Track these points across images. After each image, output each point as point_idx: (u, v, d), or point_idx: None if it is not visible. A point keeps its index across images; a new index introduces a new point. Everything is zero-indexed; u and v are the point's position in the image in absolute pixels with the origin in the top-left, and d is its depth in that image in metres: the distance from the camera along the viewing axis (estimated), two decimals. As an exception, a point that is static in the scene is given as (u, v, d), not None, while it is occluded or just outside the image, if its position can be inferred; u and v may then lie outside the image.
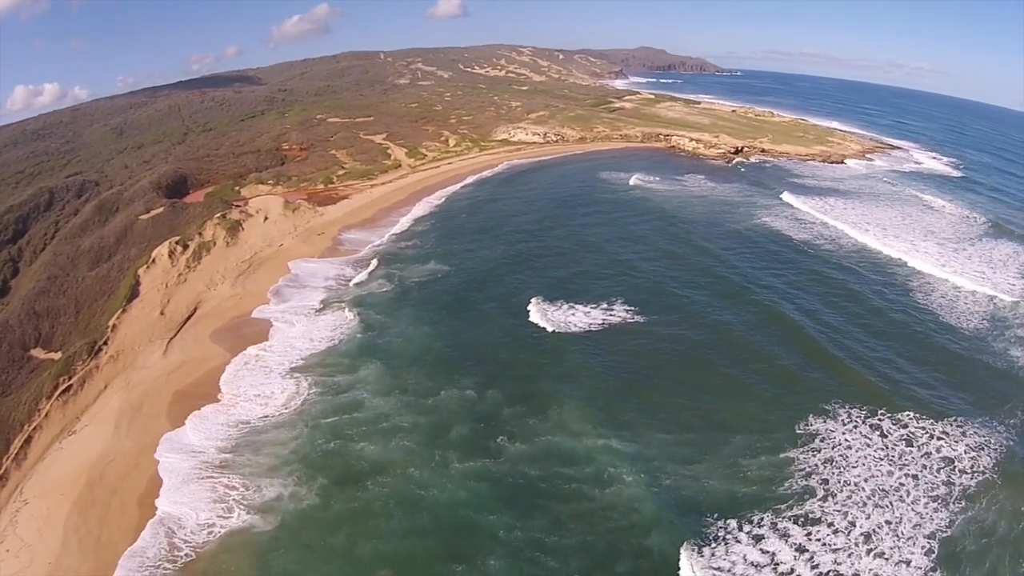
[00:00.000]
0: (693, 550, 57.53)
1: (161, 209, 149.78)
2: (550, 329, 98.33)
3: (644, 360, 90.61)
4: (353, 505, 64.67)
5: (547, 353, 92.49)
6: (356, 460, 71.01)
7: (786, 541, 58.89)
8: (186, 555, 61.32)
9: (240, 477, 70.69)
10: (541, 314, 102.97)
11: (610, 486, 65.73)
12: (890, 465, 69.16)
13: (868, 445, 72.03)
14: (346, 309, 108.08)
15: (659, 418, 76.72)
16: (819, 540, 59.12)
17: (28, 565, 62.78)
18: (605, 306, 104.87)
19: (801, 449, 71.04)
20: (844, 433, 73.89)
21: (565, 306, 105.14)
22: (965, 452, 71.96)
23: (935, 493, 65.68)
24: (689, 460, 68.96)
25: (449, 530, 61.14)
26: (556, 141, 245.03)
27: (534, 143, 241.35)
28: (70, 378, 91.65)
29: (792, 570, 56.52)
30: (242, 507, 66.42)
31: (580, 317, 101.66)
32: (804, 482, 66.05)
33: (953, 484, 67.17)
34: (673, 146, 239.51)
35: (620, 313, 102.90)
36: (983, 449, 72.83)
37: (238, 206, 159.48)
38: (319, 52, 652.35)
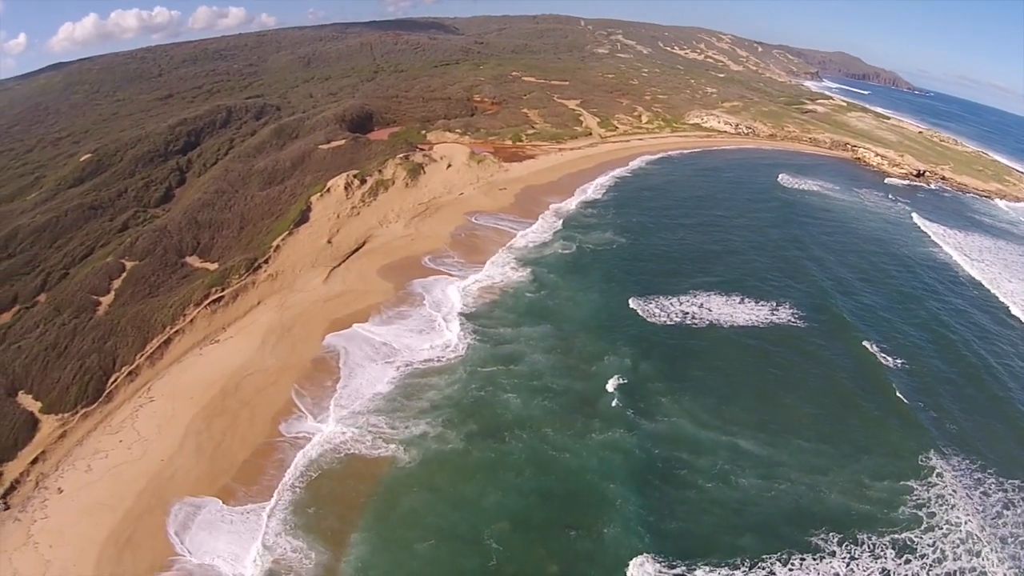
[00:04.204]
0: (783, 559, 59.33)
1: (343, 142, 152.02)
2: (712, 318, 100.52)
3: (800, 368, 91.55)
4: (490, 455, 68.17)
5: (705, 340, 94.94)
6: (503, 411, 74.82)
7: (876, 561, 60.43)
8: (316, 475, 63.49)
9: (388, 413, 71.95)
10: (707, 301, 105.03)
11: (728, 480, 68.13)
12: (994, 518, 68.61)
13: (976, 489, 72.33)
14: (521, 265, 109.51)
15: (801, 424, 78.84)
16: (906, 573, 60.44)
17: (139, 458, 63.65)
18: (772, 305, 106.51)
19: (920, 481, 71.70)
20: (955, 477, 73.49)
21: (736, 298, 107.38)
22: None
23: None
24: (815, 470, 70.95)
25: (572, 495, 64.32)
26: (747, 134, 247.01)
27: (725, 132, 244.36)
28: (223, 289, 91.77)
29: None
30: (386, 439, 68.28)
31: (744, 313, 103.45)
32: (914, 511, 67.27)
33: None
34: (859, 158, 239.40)
35: (784, 316, 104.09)
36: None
37: (422, 150, 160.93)
38: (519, 10, 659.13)
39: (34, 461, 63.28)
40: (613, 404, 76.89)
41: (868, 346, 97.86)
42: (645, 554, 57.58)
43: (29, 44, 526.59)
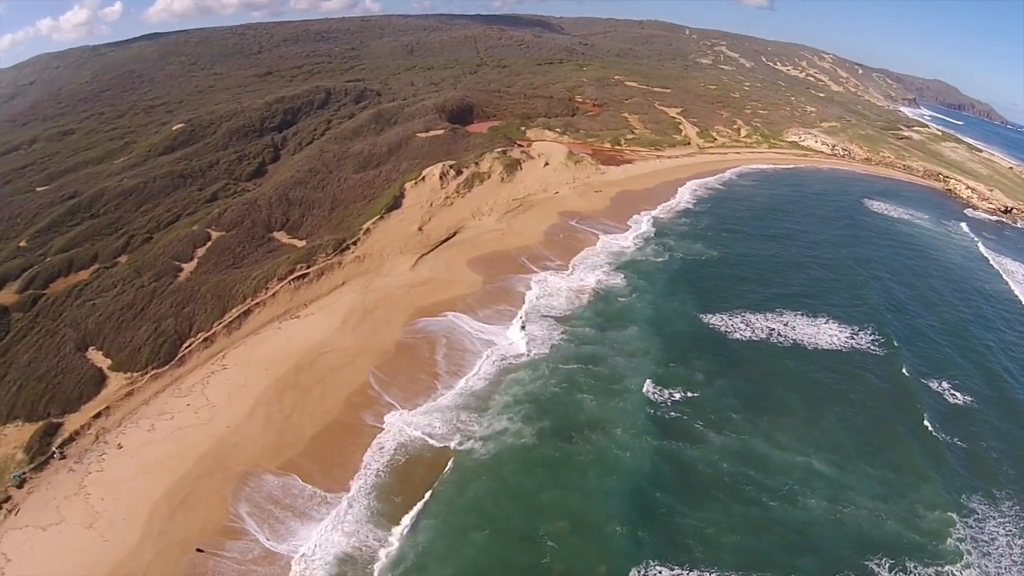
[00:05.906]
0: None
1: (441, 132, 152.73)
2: (795, 338, 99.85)
3: (871, 396, 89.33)
4: (556, 454, 68.76)
5: (785, 360, 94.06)
6: (576, 411, 75.45)
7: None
8: (403, 460, 64.46)
9: (474, 410, 71.86)
10: (792, 320, 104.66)
11: (795, 501, 68.08)
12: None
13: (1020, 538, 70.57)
14: (611, 269, 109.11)
15: (868, 451, 77.72)
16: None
17: (205, 423, 63.60)
18: (855, 328, 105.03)
19: (968, 517, 70.99)
20: (999, 523, 72.15)
21: (821, 320, 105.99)
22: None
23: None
24: (877, 496, 70.91)
25: (633, 501, 64.40)
26: (843, 156, 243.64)
27: (822, 152, 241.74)
28: (308, 267, 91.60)
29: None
30: (463, 431, 68.80)
31: (826, 335, 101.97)
32: (957, 545, 66.81)
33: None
34: (950, 189, 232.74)
35: (864, 341, 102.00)
36: None
37: (520, 146, 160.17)
38: (625, 14, 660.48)
39: (97, 415, 63.71)
40: (686, 415, 77.41)
41: (935, 384, 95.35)
42: (699, 566, 58.22)
43: (125, 13, 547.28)
